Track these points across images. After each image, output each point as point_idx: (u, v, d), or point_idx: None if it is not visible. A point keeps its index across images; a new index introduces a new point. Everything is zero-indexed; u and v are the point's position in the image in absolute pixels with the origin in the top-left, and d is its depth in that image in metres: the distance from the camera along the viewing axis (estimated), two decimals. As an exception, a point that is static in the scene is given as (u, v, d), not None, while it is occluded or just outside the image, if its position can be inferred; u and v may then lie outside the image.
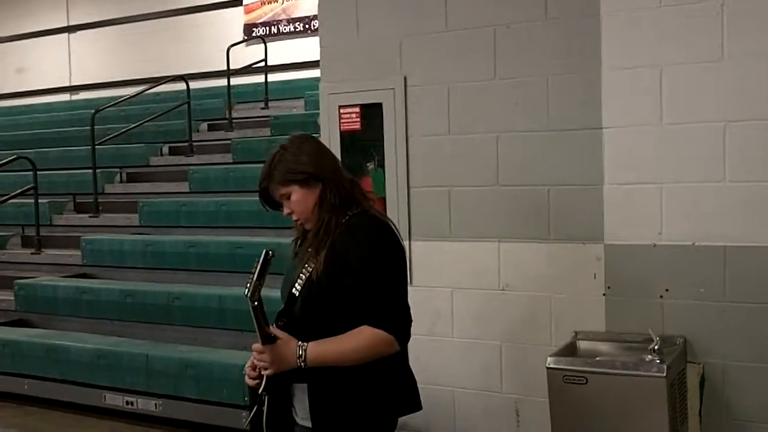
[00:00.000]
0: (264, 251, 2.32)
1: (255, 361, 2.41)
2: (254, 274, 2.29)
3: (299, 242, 2.56)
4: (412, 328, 2.45)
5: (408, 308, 2.45)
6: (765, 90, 3.35)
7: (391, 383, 2.45)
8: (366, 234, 2.41)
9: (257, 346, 2.37)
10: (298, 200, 2.45)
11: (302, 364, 2.34)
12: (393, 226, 2.50)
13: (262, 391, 2.40)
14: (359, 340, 2.34)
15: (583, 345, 3.64)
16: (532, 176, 3.82)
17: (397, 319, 2.38)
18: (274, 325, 2.43)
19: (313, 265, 2.40)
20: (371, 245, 2.40)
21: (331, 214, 2.42)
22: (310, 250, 2.45)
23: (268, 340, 2.36)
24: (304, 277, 2.42)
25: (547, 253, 3.80)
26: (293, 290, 2.44)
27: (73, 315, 6.43)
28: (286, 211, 2.49)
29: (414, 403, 2.53)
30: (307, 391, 2.41)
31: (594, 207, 3.68)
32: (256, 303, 2.31)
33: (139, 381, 5.25)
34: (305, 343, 2.35)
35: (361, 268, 2.36)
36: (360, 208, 2.48)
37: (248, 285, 2.30)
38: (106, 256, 7.07)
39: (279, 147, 2.50)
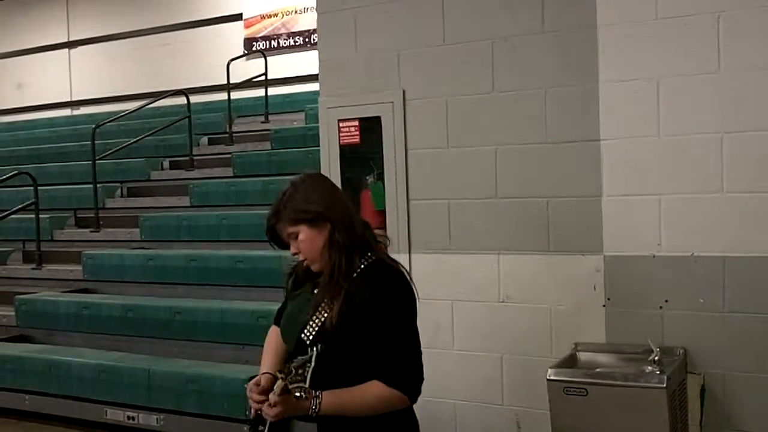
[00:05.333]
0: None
1: (264, 410, 2.30)
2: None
3: (299, 277, 2.50)
4: None
5: (421, 364, 2.40)
6: (761, 101, 3.37)
7: (399, 424, 2.42)
8: (383, 287, 2.36)
9: (273, 397, 2.26)
10: (306, 240, 2.39)
11: (314, 414, 2.30)
12: (406, 274, 2.45)
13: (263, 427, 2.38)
14: (373, 397, 2.32)
15: (583, 356, 3.64)
16: (531, 188, 3.83)
17: (410, 378, 2.36)
18: (269, 369, 2.42)
19: (326, 314, 2.35)
20: (388, 299, 2.36)
21: (341, 256, 2.36)
22: (316, 291, 2.40)
23: (286, 391, 2.27)
24: (316, 323, 2.37)
25: (547, 265, 3.81)
26: (303, 335, 2.39)
27: (74, 330, 6.43)
28: (292, 250, 2.43)
29: None
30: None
31: (593, 218, 3.69)
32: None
33: (141, 396, 5.25)
34: (320, 395, 2.30)
35: (378, 322, 2.32)
36: (375, 255, 2.42)
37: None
38: (107, 270, 7.07)
39: (289, 184, 2.45)
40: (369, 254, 2.42)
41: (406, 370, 2.35)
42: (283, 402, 2.25)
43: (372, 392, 2.32)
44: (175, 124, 9.55)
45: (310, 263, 2.43)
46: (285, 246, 2.46)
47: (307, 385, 2.27)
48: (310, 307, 2.40)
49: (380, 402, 2.33)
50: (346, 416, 2.34)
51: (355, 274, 2.37)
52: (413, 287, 2.45)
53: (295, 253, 2.44)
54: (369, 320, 2.32)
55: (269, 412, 2.28)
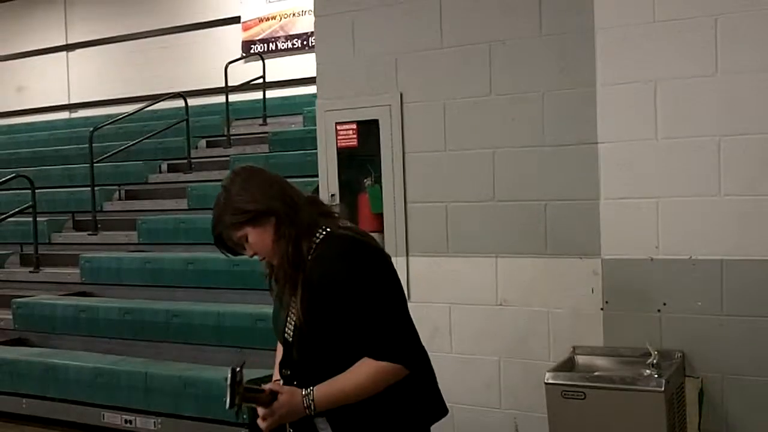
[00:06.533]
0: (230, 369, 2.15)
1: (260, 423, 2.25)
2: (227, 395, 2.14)
3: (272, 276, 2.40)
4: None
5: (408, 326, 2.29)
6: (759, 104, 3.37)
7: (413, 395, 2.32)
8: (337, 260, 2.24)
9: (260, 410, 2.22)
10: (256, 240, 2.29)
11: (311, 412, 2.23)
12: (364, 238, 2.33)
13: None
14: (363, 376, 2.21)
15: (581, 360, 3.64)
16: (529, 191, 3.83)
17: (397, 345, 2.23)
18: (278, 377, 2.37)
19: (294, 310, 2.27)
20: (346, 271, 2.23)
21: (289, 246, 2.25)
22: (286, 288, 2.30)
23: (269, 402, 2.22)
24: (291, 322, 2.30)
25: (545, 268, 3.80)
26: (286, 336, 2.33)
27: (71, 333, 6.41)
28: (249, 253, 2.33)
29: (440, 409, 2.42)
30: (327, 423, 2.32)
31: (590, 221, 3.69)
32: (238, 409, 2.19)
33: (138, 399, 5.23)
34: (311, 391, 2.22)
35: (345, 300, 2.20)
36: (323, 230, 2.29)
37: (227, 400, 2.16)
38: (104, 273, 7.06)
39: (221, 188, 2.34)
40: (319, 231, 2.29)
41: (389, 338, 2.22)
42: (270, 413, 2.21)
43: (362, 371, 2.21)
44: (173, 126, 9.54)
45: (270, 260, 2.33)
46: (237, 252, 2.37)
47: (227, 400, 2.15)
48: (283, 307, 2.35)
49: (374, 379, 2.21)
50: (350, 404, 2.24)
51: (309, 258, 2.26)
52: (374, 249, 2.33)
53: (253, 255, 2.33)
54: (335, 300, 2.21)
55: (262, 426, 2.25)
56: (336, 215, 2.39)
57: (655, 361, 3.27)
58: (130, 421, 5.26)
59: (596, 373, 3.42)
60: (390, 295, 2.29)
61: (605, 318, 3.67)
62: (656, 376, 3.22)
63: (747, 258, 3.40)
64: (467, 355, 4.00)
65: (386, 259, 2.35)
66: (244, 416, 4.56)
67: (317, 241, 2.28)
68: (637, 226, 3.61)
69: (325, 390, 2.23)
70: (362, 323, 2.22)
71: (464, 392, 4.00)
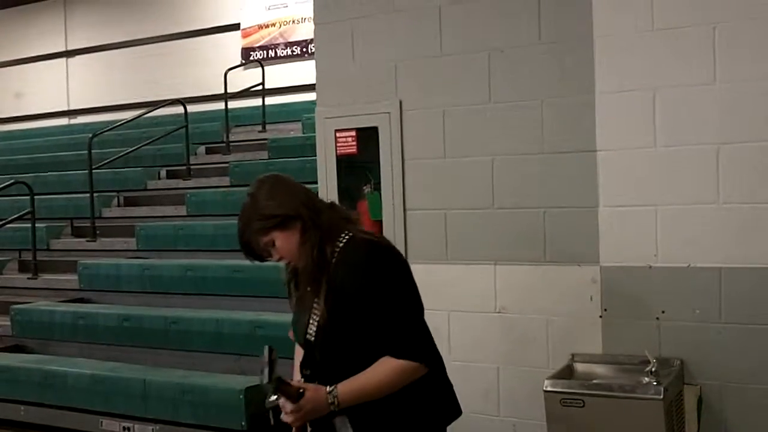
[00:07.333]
0: (266, 348, 2.29)
1: (286, 419, 2.33)
2: (265, 370, 2.27)
3: (294, 282, 2.51)
4: None
5: (423, 326, 2.42)
6: (757, 112, 3.38)
7: (430, 395, 2.44)
8: (360, 263, 2.36)
9: (287, 406, 2.29)
10: (283, 244, 2.39)
11: (335, 408, 2.32)
12: (384, 243, 2.46)
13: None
14: (384, 374, 2.32)
15: (580, 367, 3.64)
16: (528, 199, 3.83)
17: (415, 344, 2.36)
18: (300, 376, 2.43)
19: (318, 311, 2.38)
20: (369, 274, 2.35)
21: (314, 250, 2.36)
22: (309, 290, 2.41)
23: (297, 397, 2.30)
24: (314, 324, 2.40)
25: (543, 276, 3.81)
26: (308, 337, 2.42)
27: (69, 340, 6.40)
28: (275, 257, 2.43)
29: (455, 410, 2.54)
30: (348, 422, 2.39)
31: (589, 229, 3.69)
32: (275, 398, 2.28)
33: (136, 406, 5.22)
34: (335, 389, 2.31)
35: (367, 301, 2.32)
36: (347, 235, 2.41)
37: (263, 382, 2.27)
38: (103, 280, 7.05)
39: (247, 196, 2.44)
40: (342, 236, 2.40)
41: (408, 338, 2.35)
42: (297, 409, 2.27)
43: (383, 369, 2.32)
44: (173, 133, 9.53)
45: (296, 263, 2.43)
46: (263, 258, 2.45)
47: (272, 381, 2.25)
48: (306, 308, 2.43)
49: (395, 376, 2.32)
50: (371, 402, 2.33)
51: (332, 261, 2.36)
52: (395, 253, 2.44)
53: (280, 259, 2.43)
54: (357, 301, 2.32)
55: (288, 420, 2.31)
56: (356, 221, 2.51)
57: (653, 368, 3.27)
58: (129, 428, 5.25)
59: (595, 381, 3.42)
60: (409, 297, 2.41)
61: (604, 325, 3.67)
62: (655, 383, 3.21)
63: (746, 266, 3.40)
64: (466, 362, 3.99)
65: (406, 264, 2.47)
66: (243, 423, 4.55)
67: (340, 245, 2.39)
68: (635, 234, 3.61)
69: (348, 387, 2.32)
70: (383, 323, 2.33)
71: (462, 399, 3.92)
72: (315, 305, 2.39)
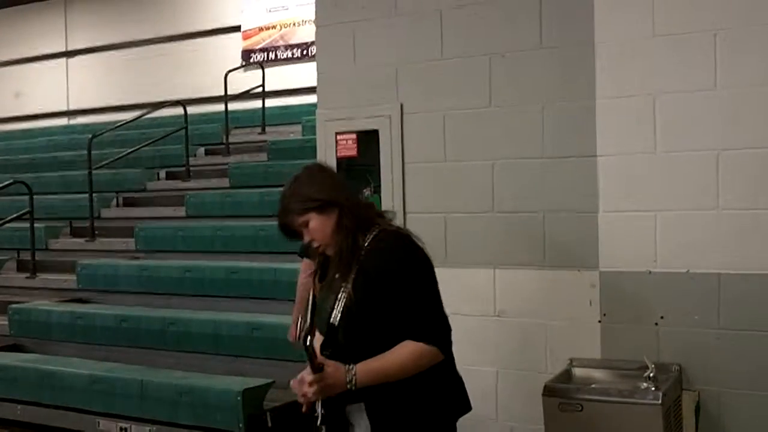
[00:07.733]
0: (311, 295, 2.50)
1: (305, 391, 2.39)
2: (306, 319, 2.45)
3: (321, 271, 2.61)
4: None
5: (445, 316, 2.54)
6: (758, 118, 3.39)
7: (444, 389, 2.56)
8: (391, 252, 2.50)
9: (308, 377, 2.38)
10: (317, 227, 2.52)
11: (353, 387, 2.40)
12: (414, 237, 2.58)
13: (321, 424, 2.47)
14: (404, 356, 2.42)
15: (578, 372, 3.64)
16: (528, 203, 3.84)
17: (436, 330, 2.47)
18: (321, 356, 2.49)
19: (345, 294, 2.48)
20: (399, 261, 2.48)
21: (348, 237, 2.49)
22: (337, 276, 2.51)
23: (318, 370, 2.38)
24: (340, 306, 2.50)
25: (543, 280, 3.81)
26: (331, 320, 2.51)
27: (67, 340, 6.39)
28: (306, 238, 2.56)
29: (466, 405, 2.65)
30: (364, 410, 2.48)
31: (589, 234, 3.69)
32: (308, 344, 2.37)
33: (134, 407, 5.21)
34: (353, 367, 2.41)
35: (395, 286, 2.44)
36: (379, 227, 2.54)
37: (301, 329, 2.43)
38: (101, 280, 7.04)
39: (293, 177, 2.60)
40: (374, 228, 2.54)
41: (430, 324, 2.47)
42: (318, 380, 2.34)
43: (403, 351, 2.42)
44: (172, 134, 9.54)
45: (325, 248, 2.55)
46: (296, 236, 2.59)
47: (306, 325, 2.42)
48: (332, 293, 2.53)
49: (413, 358, 2.42)
50: (387, 391, 2.43)
51: (364, 249, 2.49)
52: (420, 247, 2.56)
53: (310, 241, 2.55)
54: (386, 286, 2.44)
55: (308, 392, 2.36)
56: (390, 219, 2.66)
57: (652, 374, 3.27)
58: (126, 429, 5.23)
59: (593, 386, 3.42)
60: (432, 287, 2.56)
61: (603, 330, 3.68)
62: (653, 389, 3.22)
63: (745, 272, 3.41)
64: (464, 366, 3.96)
65: (429, 257, 2.59)
66: (240, 425, 4.55)
67: (371, 236, 2.53)
68: (635, 239, 3.61)
69: (367, 367, 2.41)
70: (407, 308, 2.45)
71: (461, 403, 3.99)
72: (342, 289, 2.49)
